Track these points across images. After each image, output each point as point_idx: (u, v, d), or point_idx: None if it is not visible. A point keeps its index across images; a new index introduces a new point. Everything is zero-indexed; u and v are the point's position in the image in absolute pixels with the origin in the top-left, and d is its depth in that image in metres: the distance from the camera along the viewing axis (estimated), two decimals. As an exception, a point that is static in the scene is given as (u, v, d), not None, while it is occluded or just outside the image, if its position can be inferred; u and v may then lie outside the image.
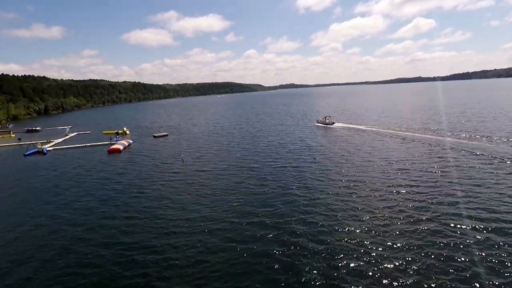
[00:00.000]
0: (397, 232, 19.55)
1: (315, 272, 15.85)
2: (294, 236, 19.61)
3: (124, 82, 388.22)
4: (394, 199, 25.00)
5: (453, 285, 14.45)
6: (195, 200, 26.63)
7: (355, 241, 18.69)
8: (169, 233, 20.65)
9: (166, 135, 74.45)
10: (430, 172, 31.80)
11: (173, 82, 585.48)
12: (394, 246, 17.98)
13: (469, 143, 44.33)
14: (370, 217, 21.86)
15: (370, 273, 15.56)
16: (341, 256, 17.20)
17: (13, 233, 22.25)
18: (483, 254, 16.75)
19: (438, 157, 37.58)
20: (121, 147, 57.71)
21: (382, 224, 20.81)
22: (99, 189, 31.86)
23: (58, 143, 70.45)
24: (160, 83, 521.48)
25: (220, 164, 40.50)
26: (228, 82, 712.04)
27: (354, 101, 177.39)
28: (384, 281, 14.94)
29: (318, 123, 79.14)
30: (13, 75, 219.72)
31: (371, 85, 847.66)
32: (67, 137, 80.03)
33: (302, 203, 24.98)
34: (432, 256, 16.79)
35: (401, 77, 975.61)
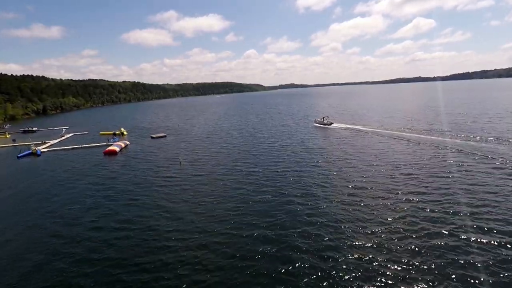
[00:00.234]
0: (411, 247, 17.84)
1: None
2: (298, 251, 17.89)
3: (124, 82, 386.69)
4: (402, 208, 23.28)
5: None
6: (191, 209, 24.91)
7: (365, 258, 16.99)
8: (162, 247, 18.90)
9: (164, 136, 72.82)
10: (437, 176, 30.05)
11: (173, 82, 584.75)
12: (410, 264, 16.27)
13: (477, 145, 42.62)
14: (378, 229, 20.15)
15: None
16: (350, 276, 15.53)
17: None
18: (497, 267, 15.12)
19: (444, 160, 35.87)
20: (117, 149, 56.05)
21: (393, 237, 19.10)
22: (90, 195, 30.11)
23: (53, 144, 68.79)
24: (160, 83, 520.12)
25: (218, 167, 38.82)
26: (228, 82, 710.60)
27: (354, 101, 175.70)
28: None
29: (316, 123, 78.17)
30: (11, 74, 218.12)
31: (371, 85, 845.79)
32: (63, 138, 78.38)
33: (305, 212, 23.28)
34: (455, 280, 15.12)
35: (401, 77, 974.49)
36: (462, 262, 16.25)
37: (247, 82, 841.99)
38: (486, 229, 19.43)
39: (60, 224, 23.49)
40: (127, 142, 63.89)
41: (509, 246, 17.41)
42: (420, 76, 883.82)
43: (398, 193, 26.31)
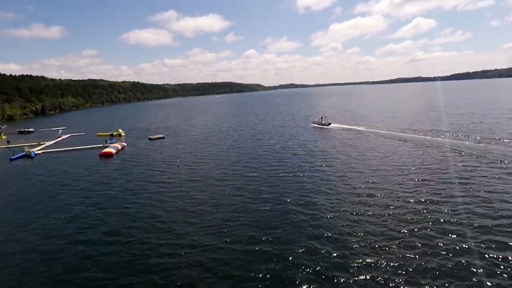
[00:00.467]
0: (431, 268, 16.15)
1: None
2: (303, 270, 16.13)
3: (123, 82, 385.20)
4: (415, 218, 21.55)
5: None
6: (187, 219, 23.13)
7: (378, 278, 15.32)
8: (153, 265, 17.12)
9: (163, 137, 71.20)
10: (448, 182, 28.33)
11: (173, 82, 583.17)
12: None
13: (487, 147, 40.92)
14: (390, 244, 18.42)
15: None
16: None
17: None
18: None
19: (455, 164, 34.08)
20: (113, 151, 54.42)
21: (407, 254, 17.40)
22: (79, 203, 28.24)
23: (48, 146, 67.13)
24: (160, 83, 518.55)
25: (217, 171, 37.07)
26: (228, 82, 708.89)
27: (355, 101, 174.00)
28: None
29: (314, 123, 77.64)
30: (10, 74, 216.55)
31: (371, 85, 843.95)
32: (59, 139, 76.71)
33: (309, 223, 21.54)
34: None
35: (401, 77, 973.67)
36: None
37: (247, 82, 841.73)
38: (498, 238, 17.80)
39: (41, 237, 21.60)
40: (124, 144, 62.25)
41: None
42: (420, 76, 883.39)
43: (408, 201, 24.57)
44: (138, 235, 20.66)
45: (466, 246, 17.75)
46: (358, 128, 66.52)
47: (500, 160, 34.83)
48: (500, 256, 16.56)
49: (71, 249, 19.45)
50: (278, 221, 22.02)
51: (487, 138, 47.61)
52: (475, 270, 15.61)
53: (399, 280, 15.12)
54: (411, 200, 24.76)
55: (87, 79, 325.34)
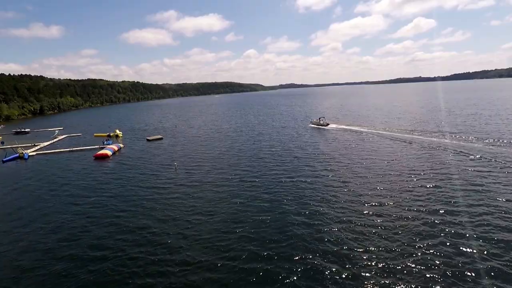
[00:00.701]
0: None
1: None
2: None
3: (123, 81, 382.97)
4: (428, 231, 19.83)
5: None
6: (182, 230, 21.29)
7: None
8: (141, 286, 15.41)
9: (161, 138, 69.51)
10: (464, 189, 26.62)
11: (173, 82, 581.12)
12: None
13: (497, 150, 39.14)
14: (405, 262, 16.74)
15: None
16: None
17: None
18: None
19: (465, 168, 32.36)
20: (109, 153, 52.70)
21: (427, 278, 15.72)
22: (67, 211, 26.29)
23: (43, 147, 65.42)
24: (160, 82, 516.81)
25: (215, 175, 35.27)
26: (228, 82, 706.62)
27: (356, 101, 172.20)
28: None
29: (312, 124, 77.18)
30: (9, 74, 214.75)
31: (371, 85, 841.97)
32: (55, 140, 75.00)
33: (313, 236, 19.69)
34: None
35: (401, 77, 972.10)
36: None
37: (247, 82, 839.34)
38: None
39: (18, 250, 19.60)
40: (121, 145, 60.51)
41: None
42: (420, 76, 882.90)
43: (419, 210, 22.77)
44: (128, 250, 18.84)
45: (493, 267, 16.01)
46: (357, 129, 65.50)
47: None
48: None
49: (50, 266, 17.63)
50: (280, 234, 20.21)
51: (497, 140, 45.86)
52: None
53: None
54: (422, 209, 22.98)
55: (86, 78, 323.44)
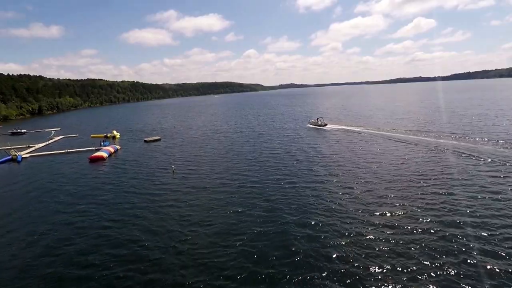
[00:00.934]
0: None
1: None
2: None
3: (123, 81, 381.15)
4: (448, 248, 18.17)
5: None
6: (176, 244, 19.50)
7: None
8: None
9: (159, 139, 67.83)
10: (480, 197, 24.93)
11: (173, 82, 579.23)
12: None
13: (508, 153, 37.41)
14: (423, 283, 15.06)
15: None
16: None
17: None
18: None
19: (477, 174, 30.64)
20: (105, 155, 51.00)
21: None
22: (56, 221, 24.40)
23: (38, 148, 63.68)
24: (160, 82, 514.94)
25: (214, 180, 33.51)
26: (228, 82, 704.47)
27: (356, 101, 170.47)
28: None
29: (311, 124, 77.00)
30: (7, 74, 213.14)
31: (371, 85, 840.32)
32: (51, 141, 73.25)
33: (319, 252, 17.99)
34: None
35: (401, 77, 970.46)
36: None
37: (247, 82, 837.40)
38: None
39: (7, 262, 18.08)
40: (118, 147, 58.79)
41: None
42: (420, 76, 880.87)
43: (434, 220, 21.09)
44: (115, 267, 17.05)
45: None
46: (358, 130, 64.49)
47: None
48: None
49: (34, 282, 15.93)
50: (282, 249, 18.41)
51: (508, 142, 44.08)
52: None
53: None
54: (437, 220, 21.18)
55: (85, 78, 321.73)
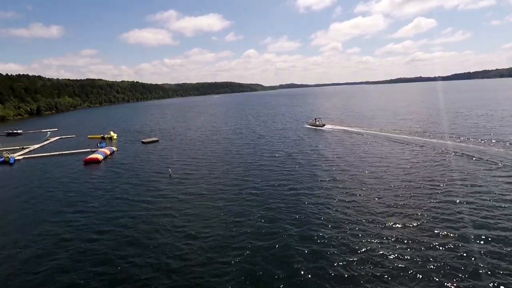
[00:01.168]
0: None
1: None
2: None
3: (122, 81, 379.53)
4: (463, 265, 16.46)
5: None
6: (170, 260, 17.69)
7: None
8: None
9: (157, 140, 66.14)
10: (493, 205, 23.22)
11: (173, 82, 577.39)
12: None
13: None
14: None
15: None
16: None
17: None
18: None
19: (489, 179, 28.92)
20: (100, 157, 49.28)
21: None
22: (39, 232, 22.52)
23: (33, 150, 61.92)
24: (160, 82, 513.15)
25: (212, 185, 31.69)
26: (228, 82, 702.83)
27: (357, 101, 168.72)
28: None
29: (308, 125, 76.16)
30: (6, 74, 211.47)
31: (371, 85, 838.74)
32: (47, 142, 71.60)
33: (327, 271, 16.36)
34: None
35: (401, 77, 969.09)
36: None
37: (247, 82, 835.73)
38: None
39: None
40: (114, 149, 57.07)
41: None
42: (420, 76, 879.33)
43: (453, 237, 19.35)
44: (109, 278, 15.31)
45: None
46: (358, 131, 63.25)
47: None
48: None
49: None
50: (286, 267, 16.59)
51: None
52: None
53: None
54: (456, 235, 19.29)
55: (85, 78, 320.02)
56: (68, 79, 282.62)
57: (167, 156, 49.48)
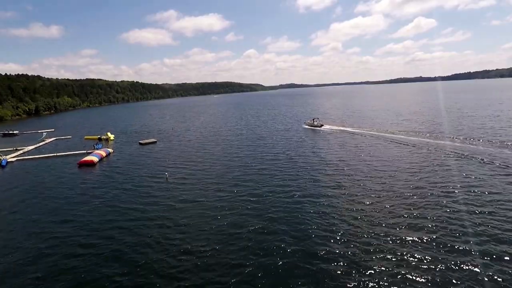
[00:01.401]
0: None
1: None
2: None
3: (122, 81, 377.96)
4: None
5: None
6: (163, 274, 16.00)
7: None
8: None
9: (154, 142, 64.51)
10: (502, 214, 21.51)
11: (173, 82, 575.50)
12: None
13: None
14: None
15: None
16: None
17: None
18: None
19: (500, 185, 27.24)
20: (95, 159, 47.65)
21: None
22: (25, 245, 20.71)
23: (27, 151, 60.22)
24: (160, 82, 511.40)
25: (212, 193, 29.77)
26: (228, 82, 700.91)
27: (357, 101, 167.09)
28: None
29: (307, 125, 75.07)
30: (5, 74, 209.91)
31: (371, 85, 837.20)
32: (42, 143, 69.91)
33: (332, 271, 14.73)
34: None
35: (401, 77, 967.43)
36: None
37: (247, 82, 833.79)
38: None
39: None
40: (110, 150, 55.45)
41: None
42: (421, 76, 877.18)
43: (464, 253, 17.74)
44: None
45: None
46: (359, 131, 61.95)
47: None
48: None
49: None
50: (288, 278, 14.93)
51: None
52: None
53: None
54: (479, 250, 17.57)
55: (85, 78, 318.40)
56: (68, 79, 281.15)
57: (164, 158, 47.84)
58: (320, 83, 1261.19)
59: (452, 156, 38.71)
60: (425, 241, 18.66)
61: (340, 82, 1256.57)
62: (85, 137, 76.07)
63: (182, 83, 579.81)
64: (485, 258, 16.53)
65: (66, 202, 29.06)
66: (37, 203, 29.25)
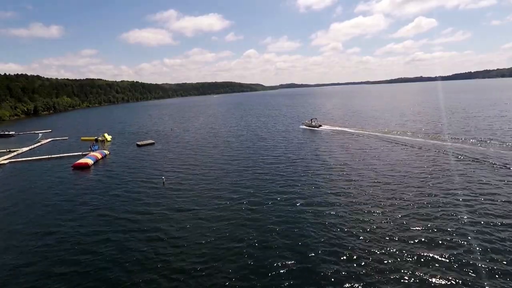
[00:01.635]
0: None
1: None
2: None
3: (122, 81, 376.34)
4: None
5: None
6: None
7: None
8: None
9: (152, 143, 62.77)
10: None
11: (173, 82, 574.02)
12: None
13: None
14: None
15: None
16: None
17: None
18: None
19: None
20: (90, 162, 45.94)
21: None
22: (5, 260, 19.05)
23: (21, 153, 58.52)
24: (160, 82, 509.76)
25: (210, 198, 28.09)
26: (228, 82, 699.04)
27: (358, 101, 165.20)
28: None
29: (305, 125, 74.15)
30: (4, 74, 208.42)
31: (371, 85, 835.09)
32: (37, 144, 68.16)
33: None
34: None
35: (402, 77, 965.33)
36: None
37: (247, 82, 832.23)
38: None
39: None
40: (106, 152, 53.73)
41: None
42: (421, 76, 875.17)
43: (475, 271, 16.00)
44: None
45: None
46: (360, 132, 60.59)
47: None
48: None
49: None
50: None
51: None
52: None
53: None
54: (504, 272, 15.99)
55: (84, 78, 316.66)
56: (67, 79, 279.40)
57: (161, 161, 46.12)
58: (320, 83, 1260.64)
59: (463, 159, 36.89)
60: (446, 259, 16.86)
61: (340, 82, 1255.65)
62: (82, 138, 74.40)
63: (182, 83, 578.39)
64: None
65: (54, 210, 27.21)
66: (20, 210, 27.49)
